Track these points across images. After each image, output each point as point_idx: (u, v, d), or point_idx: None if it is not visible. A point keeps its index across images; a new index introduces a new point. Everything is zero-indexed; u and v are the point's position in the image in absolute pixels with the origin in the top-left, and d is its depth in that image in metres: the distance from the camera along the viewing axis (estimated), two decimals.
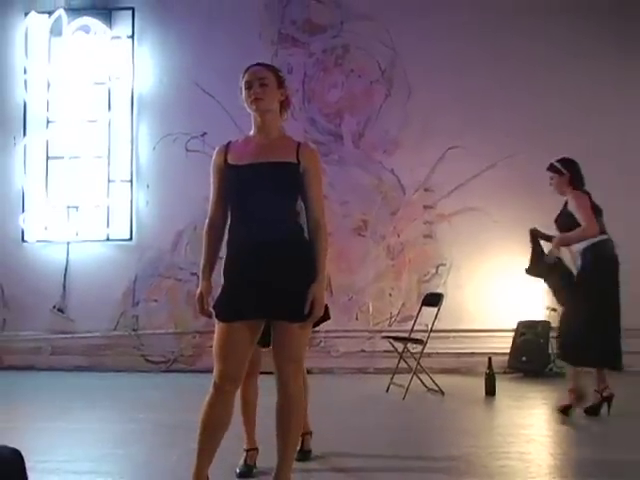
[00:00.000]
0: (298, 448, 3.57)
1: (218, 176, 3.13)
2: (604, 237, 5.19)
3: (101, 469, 3.92)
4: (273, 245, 2.98)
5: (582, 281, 5.18)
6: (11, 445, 4.22)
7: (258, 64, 3.13)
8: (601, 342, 5.06)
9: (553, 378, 7.04)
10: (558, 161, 5.40)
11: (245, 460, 3.76)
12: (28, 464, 3.85)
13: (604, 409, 5.20)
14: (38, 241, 8.27)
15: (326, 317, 3.15)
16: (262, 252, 2.97)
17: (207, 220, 3.18)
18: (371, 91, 8.06)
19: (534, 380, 7.06)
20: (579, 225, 5.13)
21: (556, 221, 5.38)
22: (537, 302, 7.53)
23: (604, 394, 5.20)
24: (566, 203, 5.35)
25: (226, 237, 3.13)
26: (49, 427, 5.09)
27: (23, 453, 4.06)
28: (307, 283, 2.99)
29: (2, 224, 8.33)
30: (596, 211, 5.21)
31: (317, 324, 3.13)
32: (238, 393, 3.38)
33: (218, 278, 3.06)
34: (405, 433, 4.88)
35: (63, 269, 8.24)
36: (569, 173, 5.32)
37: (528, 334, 7.37)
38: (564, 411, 5.22)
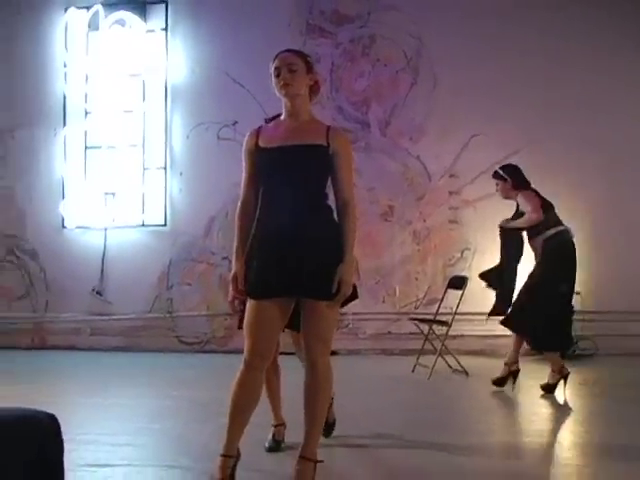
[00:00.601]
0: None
1: (249, 159, 3.14)
2: (560, 228, 5.47)
3: (137, 442, 4.00)
4: (302, 226, 2.99)
5: (543, 269, 5.47)
6: (60, 418, 4.33)
7: (287, 50, 3.13)
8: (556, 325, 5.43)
9: (576, 360, 6.97)
10: (501, 168, 5.72)
11: (273, 435, 3.81)
12: (67, 436, 3.95)
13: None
14: (77, 227, 8.37)
15: (354, 296, 3.14)
16: (291, 232, 2.99)
17: (239, 203, 3.19)
18: (397, 80, 8.01)
19: None
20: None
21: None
22: None
23: (512, 368, 5.53)
24: (517, 206, 5.65)
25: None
26: (88, 402, 5.19)
27: (63, 425, 4.18)
28: (335, 263, 2.99)
29: (44, 211, 8.45)
30: (546, 205, 5.47)
31: (345, 303, 3.13)
32: None
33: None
34: (429, 412, 4.89)
35: (101, 254, 8.33)
36: (511, 179, 5.60)
37: None
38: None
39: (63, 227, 8.40)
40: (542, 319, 5.35)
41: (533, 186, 5.67)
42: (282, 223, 3.01)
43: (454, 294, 6.76)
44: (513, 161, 7.56)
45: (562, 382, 5.43)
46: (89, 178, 8.35)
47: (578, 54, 7.64)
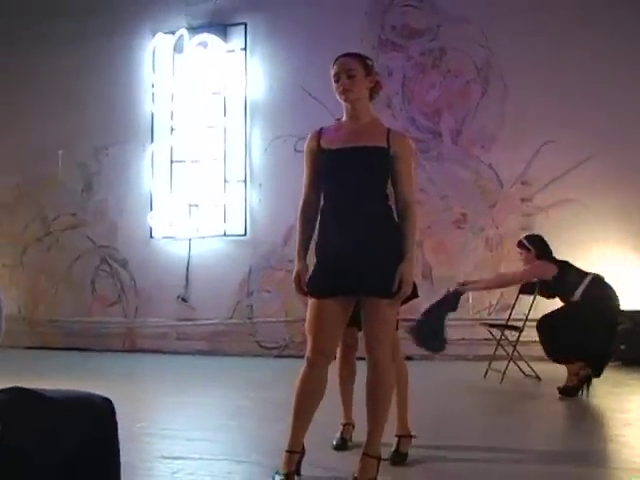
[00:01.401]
0: (393, 449, 3.45)
1: (311, 160, 3.12)
2: (587, 280, 5.38)
3: (211, 437, 4.02)
4: (363, 225, 2.95)
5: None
6: (138, 415, 4.46)
7: (346, 55, 3.07)
8: None
9: None
10: (525, 238, 5.73)
11: (341, 433, 3.74)
12: (149, 430, 4.06)
13: None
14: (164, 237, 8.58)
15: (414, 295, 3.08)
16: (352, 232, 2.95)
17: (301, 203, 3.17)
18: (468, 90, 7.87)
19: (633, 368, 6.68)
20: (560, 289, 5.42)
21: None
22: (635, 291, 7.14)
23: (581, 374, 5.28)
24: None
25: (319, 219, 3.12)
26: (172, 401, 5.30)
27: (147, 422, 4.27)
28: (396, 262, 2.94)
29: (133, 223, 8.70)
30: (564, 269, 5.48)
31: (406, 302, 3.07)
32: (335, 371, 3.39)
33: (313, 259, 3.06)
34: (500, 417, 4.73)
35: (186, 262, 8.50)
36: (535, 249, 5.60)
37: (627, 323, 6.94)
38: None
39: (151, 237, 8.62)
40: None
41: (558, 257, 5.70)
42: (343, 223, 2.98)
43: (526, 300, 6.55)
44: (588, 167, 7.39)
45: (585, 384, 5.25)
46: (174, 191, 8.54)
47: None
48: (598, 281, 5.43)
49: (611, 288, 5.46)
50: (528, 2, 7.61)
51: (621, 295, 7.07)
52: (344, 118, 3.11)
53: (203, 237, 8.43)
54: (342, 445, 3.69)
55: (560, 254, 7.37)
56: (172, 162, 8.60)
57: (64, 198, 9.05)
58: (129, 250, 8.73)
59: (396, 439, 3.49)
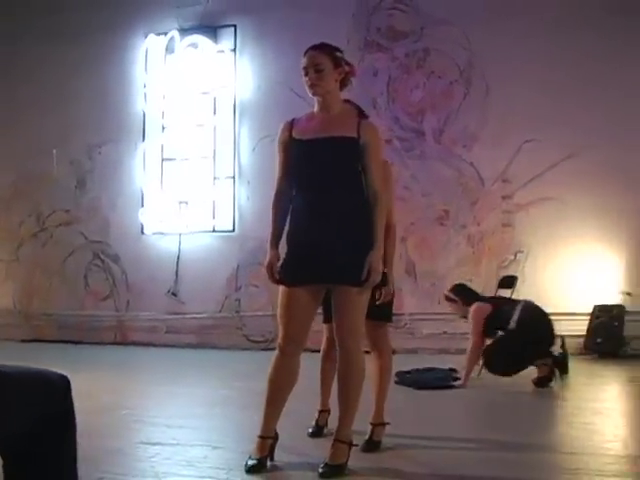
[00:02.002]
0: (367, 437, 3.41)
1: (284, 150, 3.09)
2: (519, 308, 5.39)
3: (190, 424, 4.02)
4: (333, 215, 2.93)
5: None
6: (124, 403, 4.44)
7: (315, 47, 3.01)
8: None
9: (628, 359, 6.66)
10: (449, 291, 5.75)
11: (317, 421, 3.71)
12: (133, 417, 4.04)
13: None
14: (154, 233, 8.55)
15: (383, 283, 3.05)
16: (322, 221, 2.93)
17: (274, 193, 3.15)
18: (451, 90, 7.85)
19: (609, 361, 6.68)
20: (498, 323, 5.39)
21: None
22: (612, 286, 7.17)
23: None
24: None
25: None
26: (158, 390, 5.30)
27: (131, 410, 4.25)
28: (365, 250, 2.91)
29: (125, 219, 8.67)
30: (496, 306, 5.49)
31: (375, 290, 3.05)
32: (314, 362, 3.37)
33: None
34: (475, 408, 4.72)
35: (176, 258, 8.47)
36: (460, 299, 5.65)
37: (603, 317, 6.98)
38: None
39: (142, 233, 8.59)
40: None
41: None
42: (314, 213, 2.96)
43: (505, 294, 6.55)
44: (567, 165, 7.38)
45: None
46: (165, 188, 8.51)
47: (631, 58, 7.29)
48: (528, 306, 5.50)
49: (540, 309, 5.56)
50: (509, 5, 7.58)
51: (596, 290, 7.19)
52: (315, 109, 3.09)
53: (193, 233, 8.40)
54: (317, 432, 3.66)
55: (540, 249, 7.44)
56: (163, 160, 8.57)
57: (58, 195, 9.03)
58: (121, 245, 8.70)
59: (370, 427, 3.46)
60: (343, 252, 2.90)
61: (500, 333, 5.45)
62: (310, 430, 3.67)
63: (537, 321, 5.40)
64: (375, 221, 2.96)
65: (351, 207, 2.98)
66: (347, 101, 3.12)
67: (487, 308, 5.48)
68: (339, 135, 2.96)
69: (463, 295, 5.69)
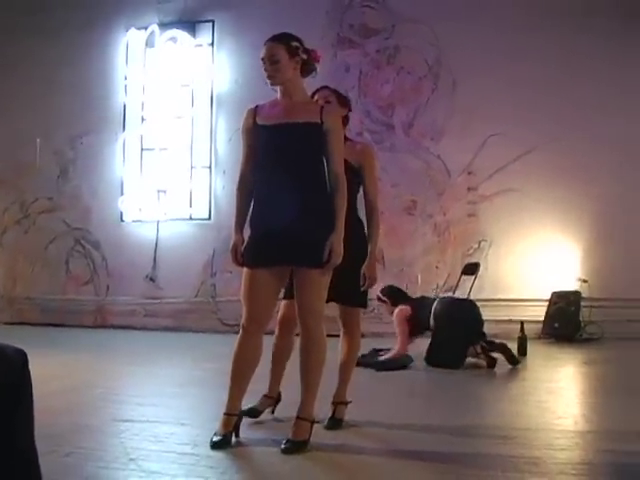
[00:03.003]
0: (330, 415, 3.35)
1: (248, 136, 3.05)
2: (436, 306, 5.49)
3: (160, 402, 3.98)
4: (295, 198, 2.88)
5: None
6: (99, 382, 4.38)
7: (272, 39, 2.96)
8: None
9: (583, 343, 6.71)
10: (380, 292, 5.75)
11: (258, 404, 3.46)
12: (108, 396, 3.99)
13: None
14: (133, 221, 8.43)
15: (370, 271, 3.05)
16: (284, 205, 2.88)
17: (238, 178, 3.09)
18: (419, 86, 7.83)
19: (565, 344, 6.72)
20: (420, 322, 5.51)
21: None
22: (569, 274, 7.21)
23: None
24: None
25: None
26: (134, 371, 5.25)
27: (106, 389, 4.20)
28: (326, 233, 2.87)
29: (105, 207, 8.54)
30: (416, 308, 5.57)
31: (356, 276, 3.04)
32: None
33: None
34: (436, 390, 4.71)
35: (154, 244, 8.37)
36: (389, 299, 5.72)
37: (560, 303, 7.02)
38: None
39: (122, 221, 8.47)
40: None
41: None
42: (276, 197, 2.91)
43: (470, 281, 6.58)
44: (528, 159, 7.39)
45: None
46: (144, 177, 8.39)
47: (590, 58, 7.30)
48: (442, 301, 5.60)
49: (456, 301, 5.70)
50: (475, 5, 7.57)
51: (554, 278, 7.22)
52: (279, 96, 3.03)
53: (170, 221, 8.30)
54: (251, 412, 3.35)
55: (503, 238, 7.46)
56: (142, 150, 8.45)
57: (41, 183, 8.87)
58: (101, 232, 8.58)
59: (332, 405, 3.42)
60: (304, 234, 2.86)
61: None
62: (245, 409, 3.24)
63: (451, 313, 5.46)
64: (336, 204, 2.92)
65: (313, 190, 2.93)
66: (326, 87, 3.10)
67: (407, 310, 5.57)
68: (303, 121, 2.91)
69: (391, 296, 5.76)
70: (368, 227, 3.38)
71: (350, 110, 3.43)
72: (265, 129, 2.95)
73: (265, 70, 2.93)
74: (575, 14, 7.34)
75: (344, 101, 3.26)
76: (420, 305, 5.64)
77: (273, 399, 3.51)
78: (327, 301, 3.03)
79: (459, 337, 5.28)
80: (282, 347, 3.45)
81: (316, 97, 3.11)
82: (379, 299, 5.82)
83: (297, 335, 3.14)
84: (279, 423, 3.38)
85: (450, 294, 6.29)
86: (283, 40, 2.95)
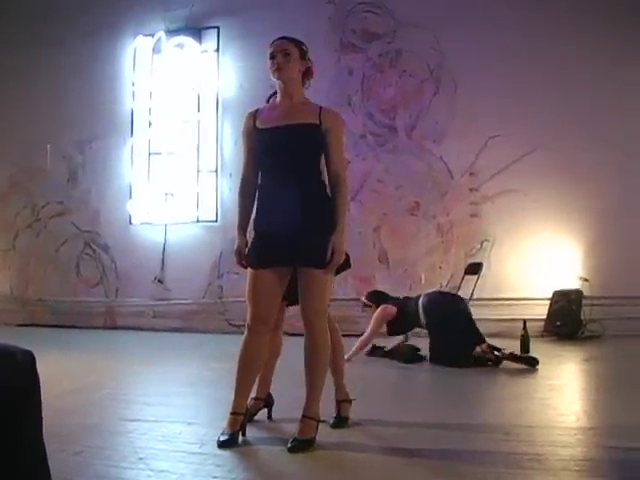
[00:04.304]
0: (335, 414, 3.33)
1: (248, 139, 3.04)
2: (424, 302, 5.45)
3: (168, 402, 3.97)
4: (296, 199, 2.87)
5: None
6: (107, 382, 4.39)
7: (282, 37, 3.01)
8: None
9: (584, 340, 6.67)
10: (365, 298, 5.81)
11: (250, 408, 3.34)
12: (117, 396, 3.98)
13: None
14: (142, 223, 8.42)
15: (346, 266, 2.99)
16: (286, 206, 2.87)
17: (240, 181, 3.09)
18: (421, 89, 7.80)
19: (567, 342, 6.68)
20: (407, 322, 5.57)
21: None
22: (571, 273, 7.18)
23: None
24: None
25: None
26: (143, 371, 5.25)
27: (114, 389, 4.20)
28: (328, 233, 2.86)
29: (114, 210, 8.55)
30: (401, 307, 5.55)
31: (338, 271, 2.99)
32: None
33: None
34: (442, 381, 4.67)
35: (162, 247, 8.37)
36: (374, 304, 5.67)
37: (562, 301, 6.98)
38: None
39: (130, 224, 8.47)
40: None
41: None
42: (278, 198, 2.90)
43: (473, 281, 6.56)
44: (529, 160, 7.36)
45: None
46: (152, 180, 8.39)
47: (590, 58, 7.23)
48: (429, 295, 5.57)
49: (440, 294, 5.72)
50: (477, 9, 7.54)
51: (556, 276, 7.19)
52: (278, 98, 3.03)
53: (178, 223, 8.29)
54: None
55: (505, 238, 7.43)
56: (150, 154, 8.45)
57: (52, 188, 8.90)
58: (110, 235, 8.59)
59: (336, 404, 3.40)
60: (307, 235, 2.85)
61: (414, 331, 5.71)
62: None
63: (440, 304, 5.45)
64: (337, 203, 2.91)
65: (314, 191, 2.93)
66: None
67: (392, 310, 5.54)
68: (301, 122, 2.91)
69: (376, 300, 5.74)
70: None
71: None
72: (264, 132, 2.95)
73: (275, 62, 2.91)
74: (576, 15, 7.30)
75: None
76: (405, 303, 5.65)
77: (262, 401, 3.46)
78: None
79: (457, 331, 5.23)
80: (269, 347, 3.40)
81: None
82: (364, 305, 5.82)
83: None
84: (285, 422, 3.37)
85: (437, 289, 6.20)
86: (295, 40, 3.02)
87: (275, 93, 3.08)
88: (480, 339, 5.25)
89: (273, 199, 2.92)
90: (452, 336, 5.20)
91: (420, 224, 7.75)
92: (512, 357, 5.12)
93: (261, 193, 2.99)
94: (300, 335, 3.01)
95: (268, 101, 3.13)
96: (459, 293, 6.47)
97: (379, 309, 5.60)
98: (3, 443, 1.72)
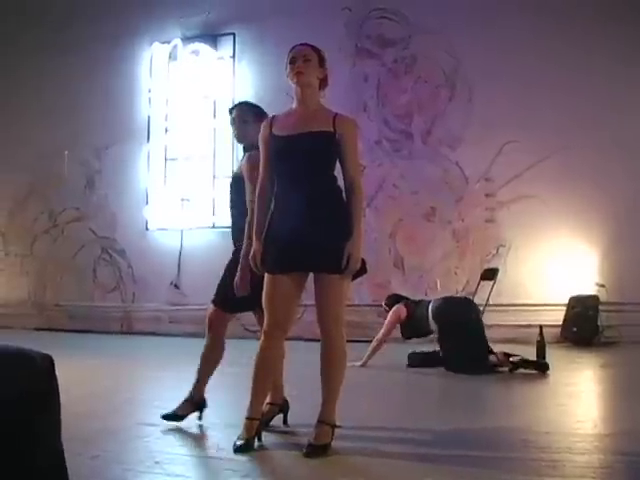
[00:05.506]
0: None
1: (265, 146, 3.04)
2: (434, 306, 5.39)
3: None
4: (313, 206, 2.87)
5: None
6: (125, 387, 4.40)
7: (303, 44, 3.02)
8: None
9: (601, 346, 6.62)
10: (384, 303, 5.82)
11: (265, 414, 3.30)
12: (132, 401, 4.00)
13: None
14: (158, 229, 8.50)
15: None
16: (303, 212, 2.87)
17: (257, 187, 3.09)
18: (436, 94, 7.81)
19: (584, 348, 6.63)
20: (417, 326, 5.52)
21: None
22: (587, 279, 7.13)
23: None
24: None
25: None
26: (159, 376, 5.27)
27: (132, 393, 4.21)
28: (344, 239, 2.86)
29: (131, 216, 8.63)
30: (411, 309, 5.55)
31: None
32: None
33: None
34: (458, 387, 4.66)
35: (178, 252, 8.43)
36: (390, 306, 5.70)
37: (578, 307, 6.93)
38: None
39: (147, 229, 8.55)
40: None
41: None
42: (293, 205, 2.90)
43: (489, 286, 6.51)
44: (545, 165, 7.32)
45: None
46: (168, 186, 8.45)
47: (604, 63, 7.22)
48: (438, 303, 5.48)
49: (449, 300, 5.61)
50: (491, 15, 7.54)
51: (572, 282, 7.14)
52: (294, 105, 3.04)
53: (194, 229, 8.34)
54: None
55: (521, 244, 7.39)
56: (166, 160, 8.54)
57: (69, 194, 9.01)
58: (127, 241, 8.67)
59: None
60: (323, 241, 2.85)
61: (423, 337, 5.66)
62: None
63: (450, 312, 5.37)
64: (353, 209, 2.90)
65: (329, 197, 2.93)
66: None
67: (402, 310, 5.55)
68: (315, 130, 2.91)
69: (392, 302, 5.76)
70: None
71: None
72: (280, 139, 2.96)
73: (295, 66, 2.92)
74: (591, 20, 7.28)
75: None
76: (416, 305, 5.63)
77: (278, 405, 3.44)
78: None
79: (468, 339, 5.17)
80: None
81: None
82: (385, 310, 5.83)
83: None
84: (301, 428, 3.36)
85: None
86: (316, 48, 3.03)
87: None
88: (487, 349, 5.20)
89: (289, 206, 2.92)
90: (464, 344, 5.16)
91: (436, 230, 7.74)
92: (523, 362, 5.08)
93: (277, 199, 2.99)
94: (317, 341, 3.02)
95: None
96: (474, 299, 6.45)
97: (391, 312, 5.62)
98: (23, 446, 1.73)
